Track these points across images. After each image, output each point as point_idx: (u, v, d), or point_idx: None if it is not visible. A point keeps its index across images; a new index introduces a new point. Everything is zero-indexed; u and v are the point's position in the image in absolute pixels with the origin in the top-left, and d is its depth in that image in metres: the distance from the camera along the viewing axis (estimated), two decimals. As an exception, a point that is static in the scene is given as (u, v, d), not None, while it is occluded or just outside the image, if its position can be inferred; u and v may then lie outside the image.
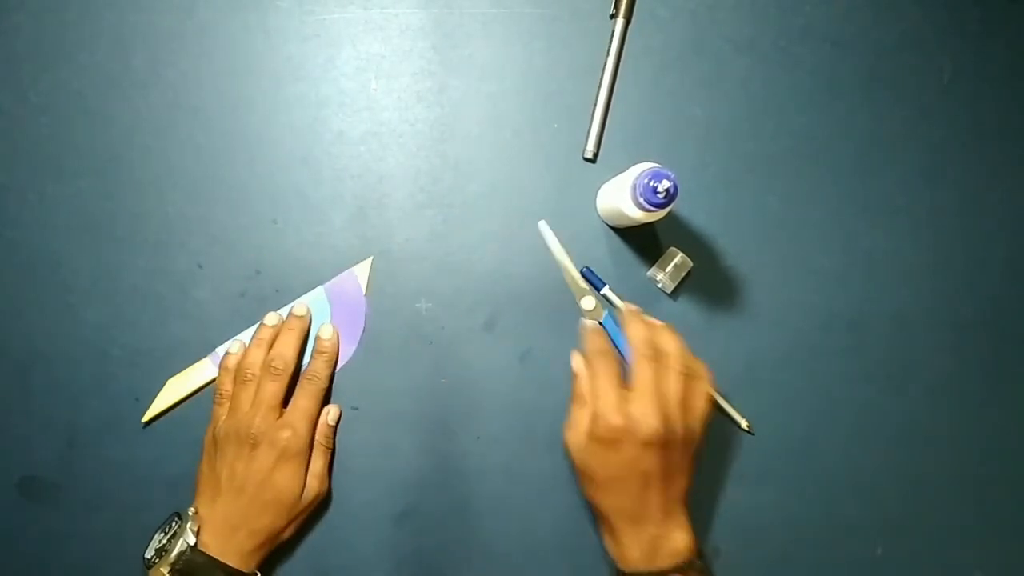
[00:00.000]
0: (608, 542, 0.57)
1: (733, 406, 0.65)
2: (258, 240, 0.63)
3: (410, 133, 0.65)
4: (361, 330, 0.63)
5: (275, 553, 0.60)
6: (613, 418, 0.53)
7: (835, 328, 0.66)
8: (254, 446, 0.56)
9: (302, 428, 0.57)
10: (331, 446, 0.61)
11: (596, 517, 0.58)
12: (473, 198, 0.65)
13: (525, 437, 0.62)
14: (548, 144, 0.66)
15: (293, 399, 0.59)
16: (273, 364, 0.59)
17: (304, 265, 0.63)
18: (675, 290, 0.65)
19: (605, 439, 0.54)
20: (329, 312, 0.63)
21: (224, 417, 0.58)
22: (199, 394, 0.62)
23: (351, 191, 0.64)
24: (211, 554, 0.54)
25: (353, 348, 0.63)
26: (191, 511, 0.56)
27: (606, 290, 0.65)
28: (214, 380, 0.62)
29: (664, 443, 0.53)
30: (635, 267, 0.66)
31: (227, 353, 0.61)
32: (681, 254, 0.65)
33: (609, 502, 0.55)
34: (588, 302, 0.64)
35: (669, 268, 0.64)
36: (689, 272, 0.65)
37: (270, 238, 0.63)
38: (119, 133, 0.63)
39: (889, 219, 0.67)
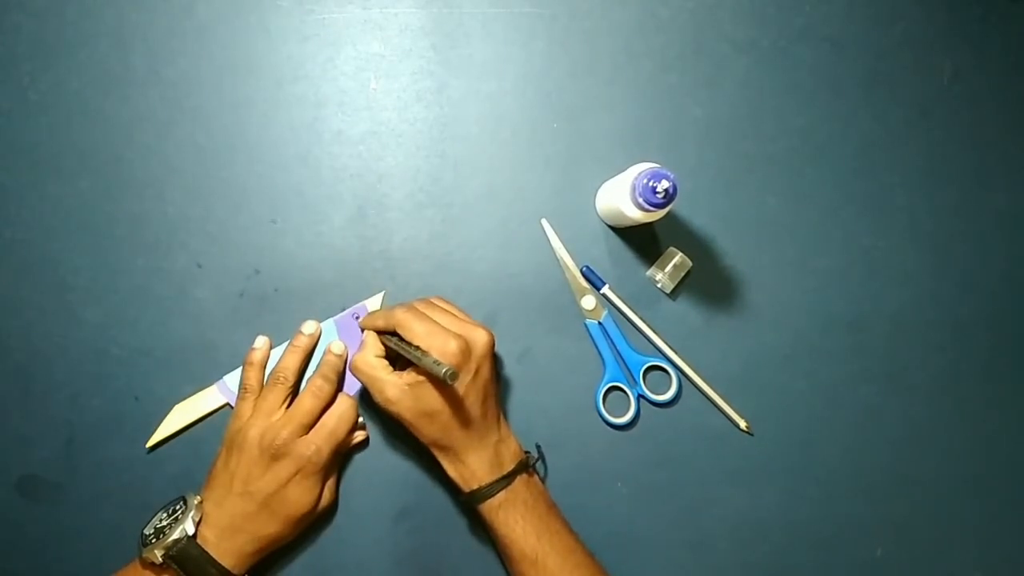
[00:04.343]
0: (456, 469, 0.57)
1: (732, 406, 0.65)
2: (257, 240, 0.63)
3: (410, 133, 0.65)
4: None
5: (270, 554, 0.60)
6: (451, 345, 0.54)
7: (835, 328, 0.66)
8: (276, 457, 0.56)
9: (326, 449, 0.57)
10: (339, 453, 0.61)
11: (435, 453, 0.57)
12: (473, 198, 0.65)
13: (523, 435, 0.62)
14: (548, 144, 0.66)
15: (323, 419, 0.59)
16: (319, 381, 0.59)
17: (304, 265, 0.63)
18: (674, 290, 0.65)
19: (458, 366, 0.54)
20: None
21: (250, 416, 0.58)
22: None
23: (351, 191, 0.64)
24: (208, 549, 0.54)
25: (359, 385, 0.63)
26: (196, 500, 0.56)
27: (606, 289, 0.65)
28: (221, 408, 0.62)
29: (492, 350, 0.56)
30: (635, 267, 0.66)
31: (253, 348, 0.61)
32: (681, 254, 0.65)
33: (453, 426, 0.55)
34: (588, 301, 0.64)
35: (668, 268, 0.64)
36: (688, 272, 0.65)
37: (270, 238, 0.63)
38: (119, 133, 0.63)
39: (889, 219, 0.67)
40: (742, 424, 0.64)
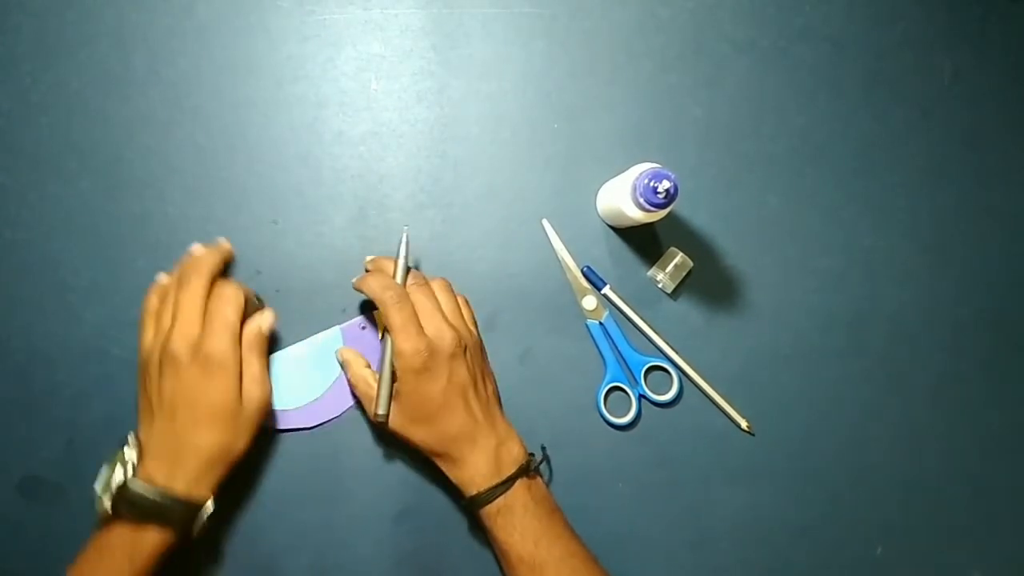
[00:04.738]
0: (454, 474, 0.57)
1: (733, 406, 0.65)
2: (258, 240, 0.63)
3: (410, 133, 0.65)
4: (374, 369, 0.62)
5: (271, 545, 0.60)
6: (416, 344, 0.54)
7: (835, 328, 0.66)
8: (172, 362, 0.53)
9: (218, 337, 0.54)
10: (264, 349, 0.58)
11: (434, 459, 0.57)
12: (474, 198, 0.65)
13: (525, 436, 0.61)
14: (548, 144, 0.66)
15: (208, 311, 0.55)
16: (184, 274, 0.56)
17: (305, 265, 0.63)
18: (675, 290, 0.65)
19: (418, 369, 0.54)
20: None
21: (149, 337, 0.56)
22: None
23: (351, 191, 0.64)
24: (158, 482, 0.51)
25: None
26: (130, 438, 0.54)
27: (607, 289, 0.65)
28: None
29: (464, 349, 0.56)
30: (635, 267, 0.66)
31: (159, 275, 0.59)
32: (681, 254, 0.65)
33: (442, 431, 0.55)
34: (589, 302, 0.64)
35: (669, 268, 0.64)
36: (689, 272, 0.65)
37: (270, 238, 0.63)
38: (119, 133, 0.63)
39: (889, 219, 0.67)
40: (743, 424, 0.64)
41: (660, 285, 0.65)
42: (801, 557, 0.64)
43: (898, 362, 0.66)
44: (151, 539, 0.52)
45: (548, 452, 0.61)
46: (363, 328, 0.62)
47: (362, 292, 0.58)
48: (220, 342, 0.54)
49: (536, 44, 0.66)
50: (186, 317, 0.55)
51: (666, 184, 0.53)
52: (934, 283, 0.67)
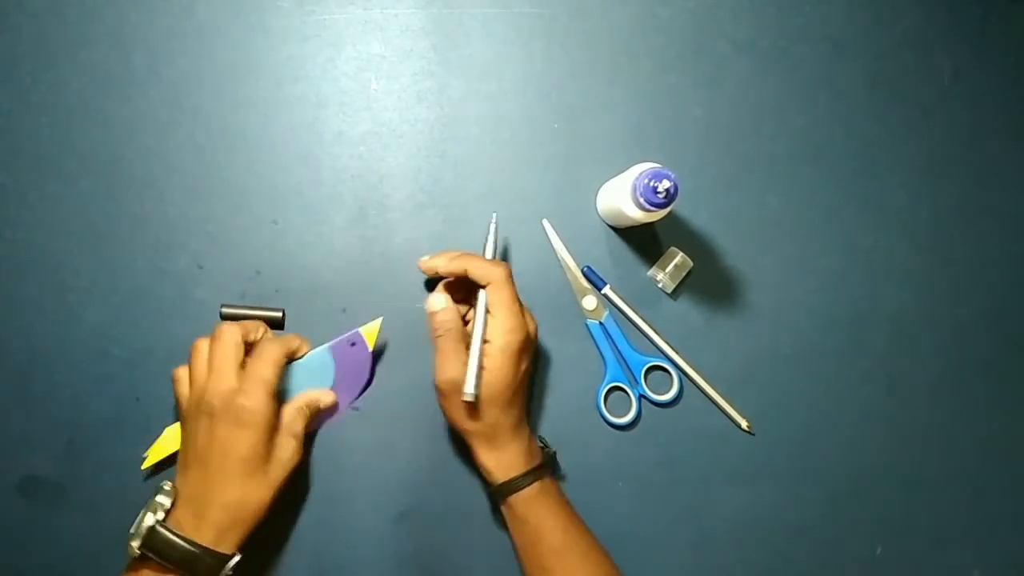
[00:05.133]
0: (493, 457, 0.57)
1: (734, 406, 0.65)
2: (258, 240, 0.63)
3: (410, 133, 0.65)
4: (362, 385, 0.63)
5: (271, 546, 0.60)
6: (522, 323, 0.56)
7: (835, 328, 0.66)
8: (211, 415, 0.54)
9: (257, 395, 0.54)
10: (313, 413, 0.59)
11: (475, 441, 0.57)
12: (473, 198, 0.65)
13: (525, 437, 0.62)
14: (548, 144, 0.66)
15: (247, 368, 0.56)
16: (220, 330, 0.57)
17: (304, 265, 0.63)
18: (675, 290, 0.65)
19: (516, 349, 0.56)
20: (332, 372, 0.62)
21: (185, 389, 0.57)
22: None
23: (351, 191, 0.64)
24: (184, 531, 0.52)
25: (350, 400, 0.62)
26: (167, 485, 0.54)
27: (607, 289, 0.65)
28: None
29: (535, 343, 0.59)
30: (635, 267, 0.66)
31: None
32: (681, 254, 0.65)
33: (501, 414, 0.56)
34: (589, 301, 0.64)
35: (669, 268, 0.64)
36: (689, 272, 0.65)
37: (270, 238, 0.63)
38: (119, 133, 0.63)
39: (889, 219, 0.67)
40: (743, 424, 0.64)
41: (660, 285, 0.65)
42: (801, 557, 0.64)
43: (898, 362, 0.66)
44: None
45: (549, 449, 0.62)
46: (352, 345, 0.62)
47: (450, 273, 0.58)
48: (254, 399, 0.54)
49: (536, 44, 0.66)
50: (221, 372, 0.55)
51: (666, 184, 0.53)
52: (934, 283, 0.67)
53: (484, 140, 0.65)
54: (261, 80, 0.64)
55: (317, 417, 0.61)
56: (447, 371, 0.56)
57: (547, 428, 0.63)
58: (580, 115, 0.66)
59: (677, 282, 0.65)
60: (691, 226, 0.66)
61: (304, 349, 0.61)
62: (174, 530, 0.52)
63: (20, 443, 0.61)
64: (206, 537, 0.52)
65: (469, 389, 0.54)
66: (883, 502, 0.65)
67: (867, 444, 0.66)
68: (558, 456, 0.62)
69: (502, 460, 0.57)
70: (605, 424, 0.64)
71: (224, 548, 0.53)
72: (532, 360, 0.59)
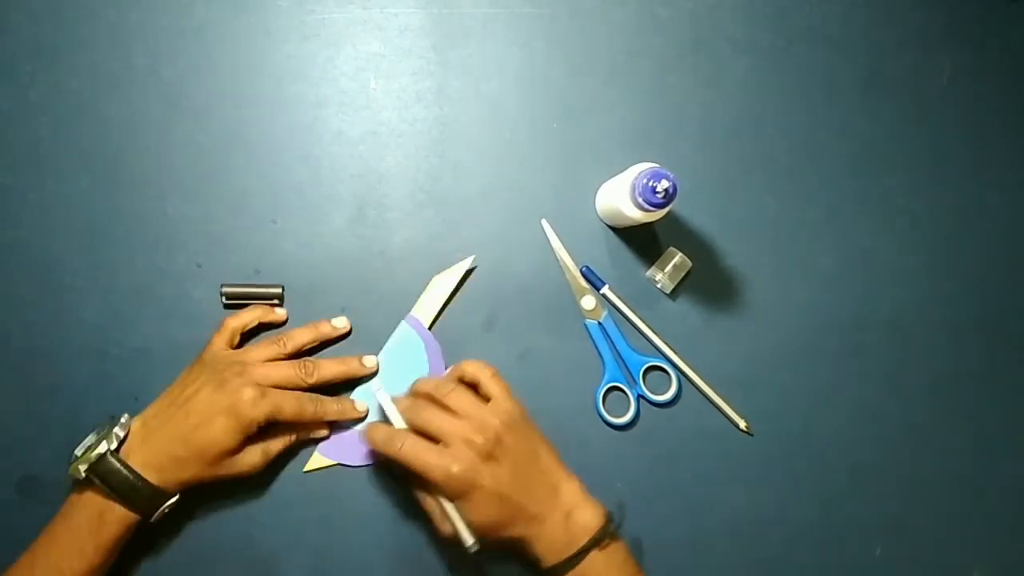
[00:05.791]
0: (532, 552, 0.55)
1: (732, 406, 0.65)
2: (257, 240, 0.63)
3: (409, 133, 0.65)
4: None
5: (272, 546, 0.60)
6: (489, 424, 0.53)
7: (834, 328, 0.66)
8: (219, 383, 0.55)
9: (263, 408, 0.55)
10: (296, 441, 0.60)
11: (512, 547, 0.55)
12: (473, 198, 0.65)
13: (524, 437, 0.62)
14: (548, 144, 0.66)
15: (286, 391, 0.57)
16: (284, 340, 0.60)
17: (304, 265, 0.63)
18: (674, 290, 0.65)
19: (489, 452, 0.52)
20: (423, 349, 0.63)
21: (222, 346, 0.59)
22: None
23: (350, 191, 0.64)
24: (134, 464, 0.53)
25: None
26: (123, 418, 0.56)
27: (606, 289, 0.65)
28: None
29: (522, 418, 0.56)
30: (634, 267, 0.66)
31: (274, 310, 0.62)
32: (680, 254, 0.65)
33: (518, 512, 0.53)
34: (588, 301, 0.64)
35: (668, 268, 0.64)
36: (688, 272, 0.65)
37: (269, 238, 0.63)
38: (119, 133, 0.63)
39: (889, 219, 0.67)
40: (742, 424, 0.64)
41: (659, 285, 0.65)
42: (800, 557, 0.64)
43: (897, 362, 0.66)
44: (115, 516, 0.53)
45: (625, 510, 0.57)
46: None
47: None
48: (260, 411, 0.55)
49: (536, 44, 0.66)
50: (266, 376, 0.57)
51: (665, 184, 0.53)
52: (933, 283, 0.67)
53: (483, 140, 0.65)
54: (261, 80, 0.64)
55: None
56: (443, 531, 0.54)
57: (545, 428, 0.63)
58: (579, 115, 0.66)
59: (676, 282, 0.65)
60: (690, 226, 0.66)
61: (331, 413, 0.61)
62: (123, 460, 0.53)
63: (20, 443, 0.61)
64: (151, 475, 0.54)
65: (469, 542, 0.52)
66: (883, 502, 0.65)
67: (866, 444, 0.65)
68: (625, 519, 0.56)
69: (538, 551, 0.54)
70: (604, 424, 0.64)
71: (166, 487, 0.54)
72: (518, 449, 0.54)
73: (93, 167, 0.63)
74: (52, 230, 0.62)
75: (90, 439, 0.55)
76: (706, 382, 0.64)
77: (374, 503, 0.62)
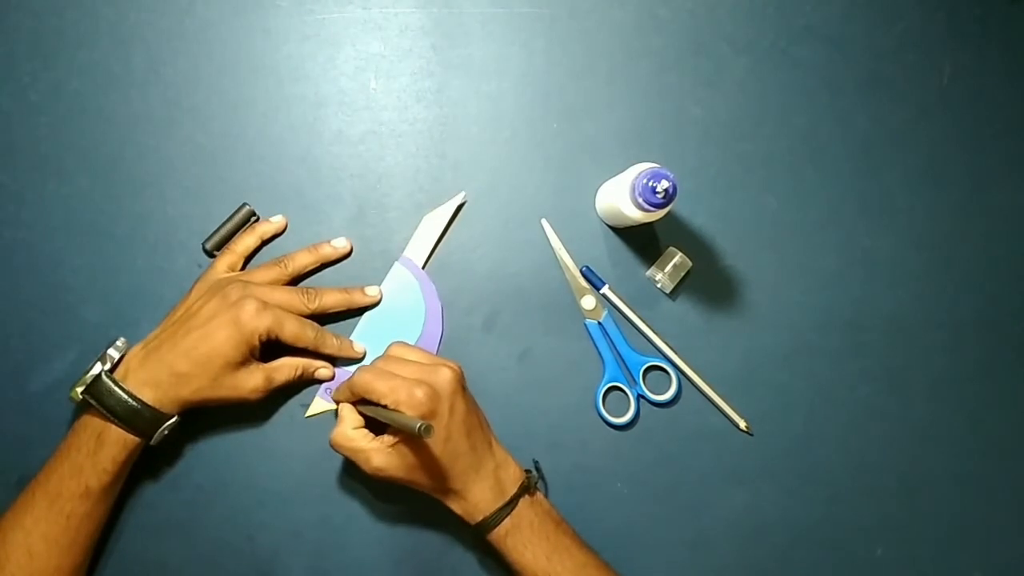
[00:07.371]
0: (459, 506, 0.57)
1: (732, 406, 0.65)
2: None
3: (409, 133, 0.65)
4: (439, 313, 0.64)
5: (271, 545, 0.60)
6: (420, 393, 0.53)
7: (834, 328, 0.66)
8: (223, 299, 0.55)
9: (267, 314, 0.55)
10: (300, 376, 0.60)
11: (437, 497, 0.57)
12: (472, 198, 0.65)
13: (524, 436, 0.62)
14: (548, 144, 0.66)
15: (292, 317, 0.58)
16: (285, 262, 0.60)
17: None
18: (674, 290, 0.65)
19: (431, 412, 0.53)
20: (422, 294, 0.63)
21: (223, 269, 0.60)
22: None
23: (350, 191, 0.64)
24: (128, 384, 0.53)
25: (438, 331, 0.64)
26: (120, 341, 0.56)
27: (606, 289, 0.65)
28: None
29: (460, 384, 0.56)
30: (634, 267, 0.66)
31: (268, 220, 0.63)
32: (680, 254, 0.65)
33: (449, 471, 0.55)
34: (588, 301, 0.64)
35: (668, 268, 0.64)
36: (688, 272, 0.65)
37: (269, 238, 0.63)
38: (119, 133, 0.63)
39: (889, 219, 0.67)
40: (742, 424, 0.64)
41: (659, 285, 0.65)
42: (800, 558, 0.64)
43: (897, 362, 0.66)
44: (113, 436, 0.53)
45: (540, 466, 0.61)
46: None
47: (344, 400, 0.58)
48: (265, 324, 0.55)
49: (536, 44, 0.66)
50: (271, 295, 0.57)
51: (665, 184, 0.53)
52: (933, 283, 0.67)
53: (483, 140, 0.65)
54: (261, 80, 0.64)
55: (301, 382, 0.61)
56: (372, 461, 0.55)
57: (545, 428, 0.63)
58: (579, 115, 0.66)
59: (676, 282, 0.65)
60: (690, 226, 0.66)
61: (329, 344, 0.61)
62: (118, 381, 0.53)
63: (20, 443, 0.61)
64: (146, 394, 0.54)
65: (417, 424, 0.49)
66: (883, 502, 0.65)
67: (866, 444, 0.65)
68: (546, 468, 0.61)
69: (467, 505, 0.56)
70: (603, 424, 0.64)
71: (164, 407, 0.54)
72: (469, 400, 0.56)
73: (93, 167, 0.63)
74: (51, 229, 0.62)
75: (92, 364, 0.56)
76: (706, 382, 0.64)
77: (374, 503, 0.62)
